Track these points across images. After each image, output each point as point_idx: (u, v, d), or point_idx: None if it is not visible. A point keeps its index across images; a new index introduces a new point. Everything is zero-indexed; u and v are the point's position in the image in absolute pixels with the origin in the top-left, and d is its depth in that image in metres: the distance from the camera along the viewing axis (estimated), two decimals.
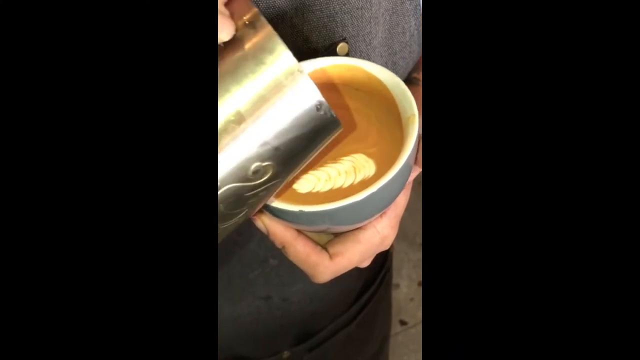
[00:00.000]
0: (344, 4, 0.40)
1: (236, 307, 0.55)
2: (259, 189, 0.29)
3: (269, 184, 0.29)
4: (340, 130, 0.30)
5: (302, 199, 0.34)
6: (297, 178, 0.35)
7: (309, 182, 0.35)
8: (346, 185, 0.34)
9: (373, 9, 0.42)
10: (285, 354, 0.60)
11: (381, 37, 0.44)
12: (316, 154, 0.31)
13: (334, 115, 0.29)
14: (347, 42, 0.41)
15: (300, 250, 0.36)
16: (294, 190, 0.35)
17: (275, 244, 0.37)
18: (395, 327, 1.48)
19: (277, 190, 0.31)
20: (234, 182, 0.28)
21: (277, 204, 0.33)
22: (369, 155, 0.36)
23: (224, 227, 0.30)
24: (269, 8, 0.38)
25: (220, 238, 0.31)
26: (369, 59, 0.43)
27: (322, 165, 0.36)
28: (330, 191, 0.34)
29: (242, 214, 0.30)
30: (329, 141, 0.31)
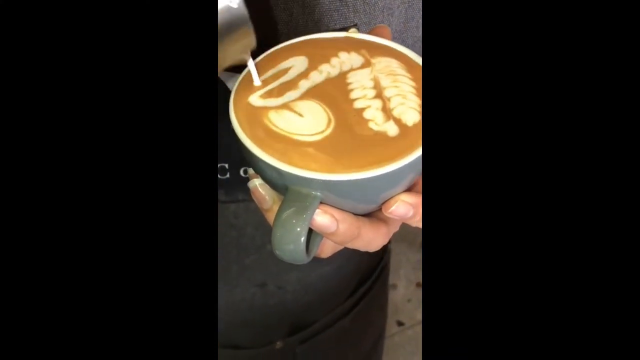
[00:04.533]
0: None
1: (231, 293, 0.55)
2: None
3: None
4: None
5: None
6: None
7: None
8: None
9: (402, 6, 0.42)
10: (278, 344, 0.60)
11: (395, 29, 0.43)
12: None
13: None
14: (357, 29, 0.41)
15: (370, 230, 0.33)
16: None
17: (419, 215, 0.32)
18: (392, 328, 1.48)
19: None
20: None
21: (336, 176, 0.29)
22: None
23: None
24: None
25: None
26: None
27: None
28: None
29: None
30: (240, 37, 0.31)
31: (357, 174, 0.28)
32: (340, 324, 0.62)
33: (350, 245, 0.33)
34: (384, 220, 0.33)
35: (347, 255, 0.57)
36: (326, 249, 0.35)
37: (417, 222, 0.33)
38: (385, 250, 0.67)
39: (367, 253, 0.61)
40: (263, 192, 0.34)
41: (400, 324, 1.52)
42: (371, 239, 0.33)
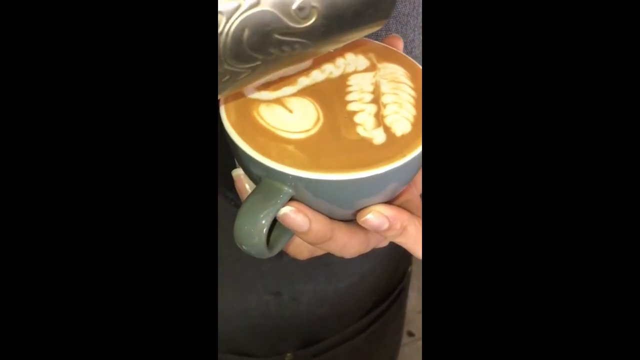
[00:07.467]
0: None
1: (245, 299, 0.54)
2: (288, 39, 0.26)
3: (298, 40, 0.27)
4: (386, 20, 0.29)
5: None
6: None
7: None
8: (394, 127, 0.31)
9: (419, 18, 0.42)
10: (289, 356, 0.59)
11: None
12: (353, 37, 0.29)
13: None
14: None
15: (345, 234, 0.32)
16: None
17: (394, 230, 0.31)
18: (403, 339, 1.47)
19: (299, 58, 0.28)
20: (274, 8, 0.25)
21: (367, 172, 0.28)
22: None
23: (229, 75, 0.27)
24: None
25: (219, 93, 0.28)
26: None
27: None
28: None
29: (253, 64, 0.27)
30: (371, 28, 0.29)
31: (329, 175, 0.28)
32: (353, 342, 0.62)
33: (323, 248, 0.32)
34: (363, 228, 0.32)
35: (365, 273, 0.57)
36: (303, 251, 0.35)
37: (393, 236, 0.32)
38: (405, 273, 0.67)
39: (385, 273, 0.60)
40: (244, 183, 0.33)
41: (410, 334, 1.51)
42: (346, 243, 0.32)
